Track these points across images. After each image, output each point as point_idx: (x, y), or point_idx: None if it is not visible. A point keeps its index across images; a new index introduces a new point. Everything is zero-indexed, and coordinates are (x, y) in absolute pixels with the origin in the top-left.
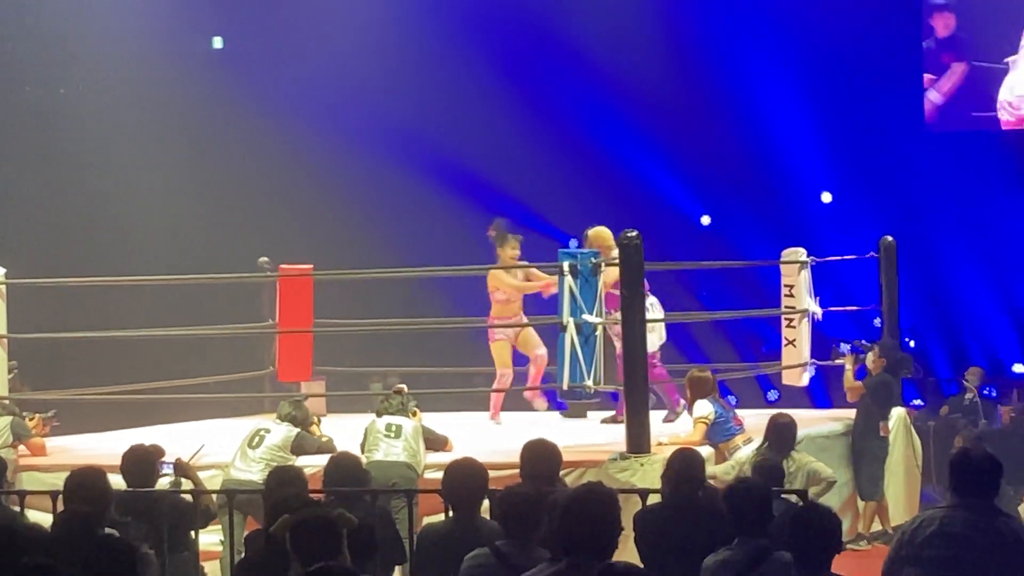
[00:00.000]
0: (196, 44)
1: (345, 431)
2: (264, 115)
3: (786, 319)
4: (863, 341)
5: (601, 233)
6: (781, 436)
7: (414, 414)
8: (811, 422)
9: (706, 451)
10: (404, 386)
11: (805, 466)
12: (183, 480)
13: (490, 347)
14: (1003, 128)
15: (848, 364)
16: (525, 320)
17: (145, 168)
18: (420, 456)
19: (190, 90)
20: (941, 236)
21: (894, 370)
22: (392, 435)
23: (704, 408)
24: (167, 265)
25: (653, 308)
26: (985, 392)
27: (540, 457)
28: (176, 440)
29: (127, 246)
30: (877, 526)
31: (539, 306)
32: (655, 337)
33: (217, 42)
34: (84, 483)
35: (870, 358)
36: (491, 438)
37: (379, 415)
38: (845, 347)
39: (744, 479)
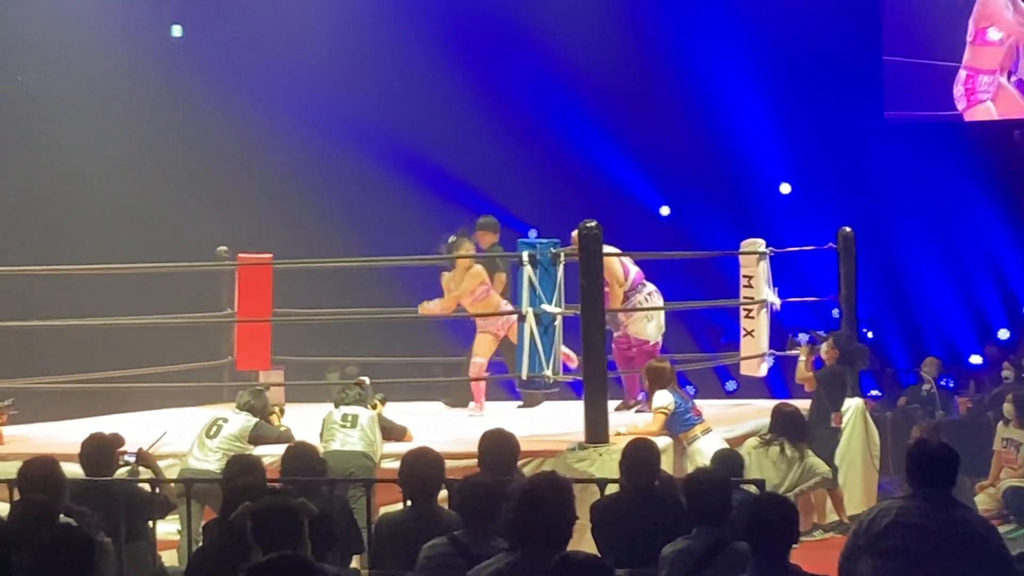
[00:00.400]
0: (155, 32)
1: (304, 421)
2: (223, 104)
3: (745, 310)
4: (819, 332)
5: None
6: (788, 423)
7: (375, 407)
8: (758, 414)
9: (664, 441)
10: (366, 379)
11: (806, 463)
12: (142, 469)
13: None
14: (965, 119)
15: (803, 355)
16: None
17: (104, 156)
18: (377, 446)
19: (149, 78)
20: (899, 227)
21: (848, 361)
22: (349, 425)
23: (664, 399)
24: (126, 254)
25: (652, 297)
26: (942, 383)
27: (498, 447)
28: (135, 429)
29: (86, 234)
30: (833, 516)
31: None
32: (654, 327)
33: (176, 30)
34: (38, 472)
35: (824, 349)
36: (450, 428)
37: (336, 405)
38: (803, 337)
39: (703, 469)
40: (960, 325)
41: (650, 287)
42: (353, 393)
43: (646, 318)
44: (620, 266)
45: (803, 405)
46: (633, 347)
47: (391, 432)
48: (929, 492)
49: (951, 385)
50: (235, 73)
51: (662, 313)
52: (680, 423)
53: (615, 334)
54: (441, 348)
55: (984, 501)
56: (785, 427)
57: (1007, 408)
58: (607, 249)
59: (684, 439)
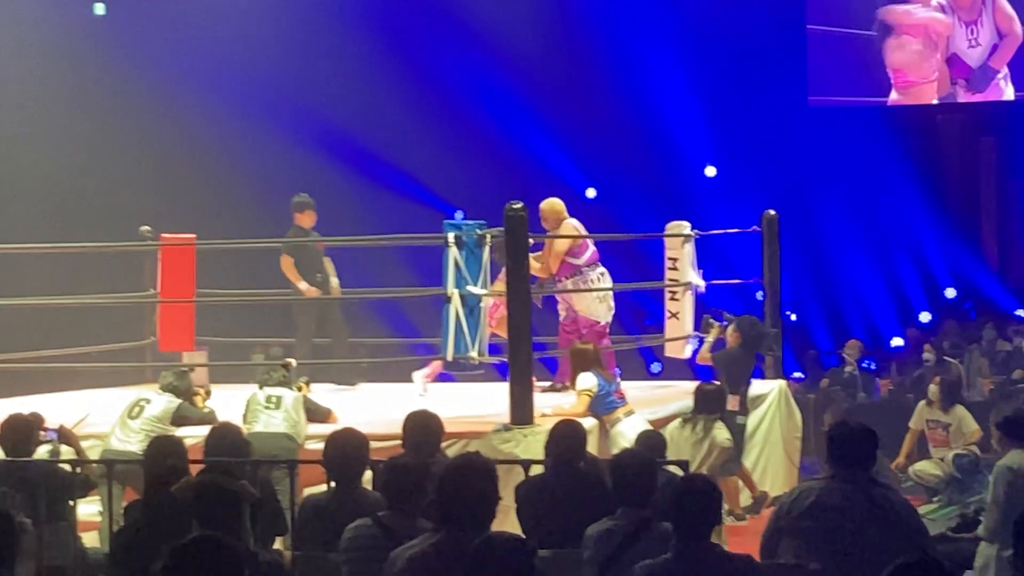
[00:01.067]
0: (78, 10)
1: (228, 402)
2: (146, 83)
3: (669, 292)
4: (727, 313)
5: (555, 205)
6: (707, 400)
7: (300, 388)
8: (682, 396)
9: (589, 423)
10: (292, 360)
11: (711, 433)
12: (63, 449)
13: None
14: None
15: (709, 336)
16: None
17: (26, 135)
18: (301, 427)
19: (71, 57)
20: (823, 210)
21: (750, 346)
22: (272, 407)
23: (588, 380)
24: (49, 233)
25: (603, 278)
26: (864, 365)
27: (422, 428)
28: (57, 409)
29: (8, 213)
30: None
31: (424, 278)
32: (604, 308)
33: (99, 8)
34: None
35: (729, 331)
36: (374, 409)
37: (261, 387)
38: (729, 318)
39: (629, 450)
40: (882, 308)
41: (601, 268)
42: (278, 375)
43: (597, 299)
44: (571, 243)
45: None
46: (583, 328)
47: (316, 414)
48: (849, 473)
49: (873, 367)
50: (159, 53)
51: (611, 295)
52: (603, 405)
53: (561, 317)
54: (367, 330)
55: (928, 468)
56: (704, 405)
57: (932, 390)
58: (571, 221)
59: (607, 421)
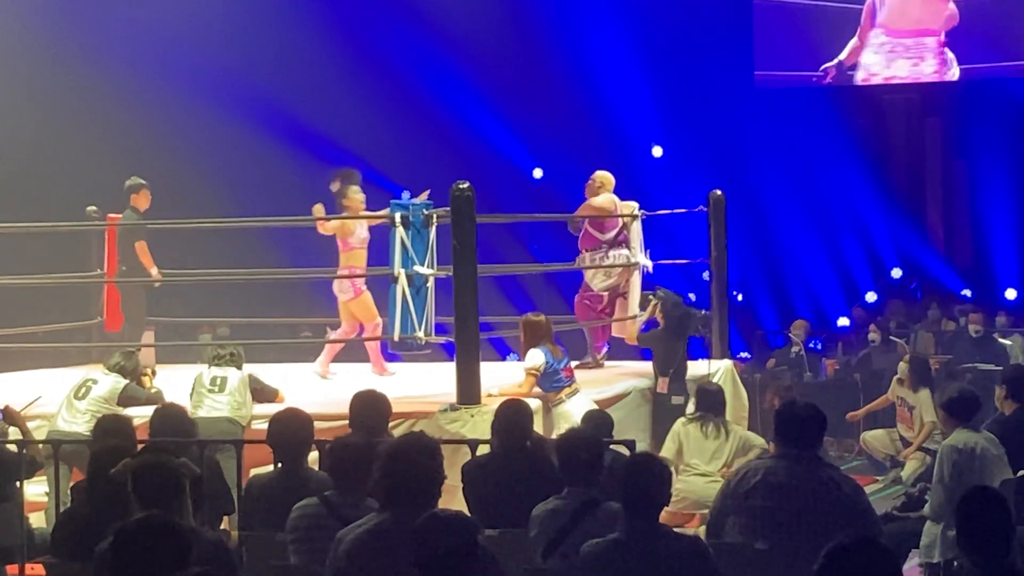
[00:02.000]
0: None
1: (173, 382)
2: (97, 62)
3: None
4: (659, 291)
5: (605, 176)
6: (710, 400)
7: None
8: (629, 376)
9: (536, 402)
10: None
11: (739, 435)
12: (10, 429)
13: (353, 303)
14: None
15: (643, 315)
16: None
17: None
18: (246, 408)
19: (16, 33)
20: (769, 191)
21: (676, 327)
22: (216, 389)
23: (536, 358)
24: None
25: (618, 260)
26: (810, 345)
27: (369, 407)
28: (4, 390)
29: None
30: None
31: (368, 257)
32: (611, 283)
33: None
34: None
35: (657, 311)
36: (321, 389)
37: (210, 365)
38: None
39: (575, 429)
40: (828, 288)
41: (624, 252)
42: (226, 353)
43: (604, 275)
44: (612, 206)
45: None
46: (587, 299)
47: (262, 394)
48: (796, 452)
49: (819, 347)
50: (106, 31)
51: (616, 272)
52: (550, 383)
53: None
54: (311, 310)
55: (879, 438)
56: (707, 404)
57: (901, 368)
58: (611, 196)
59: (550, 400)
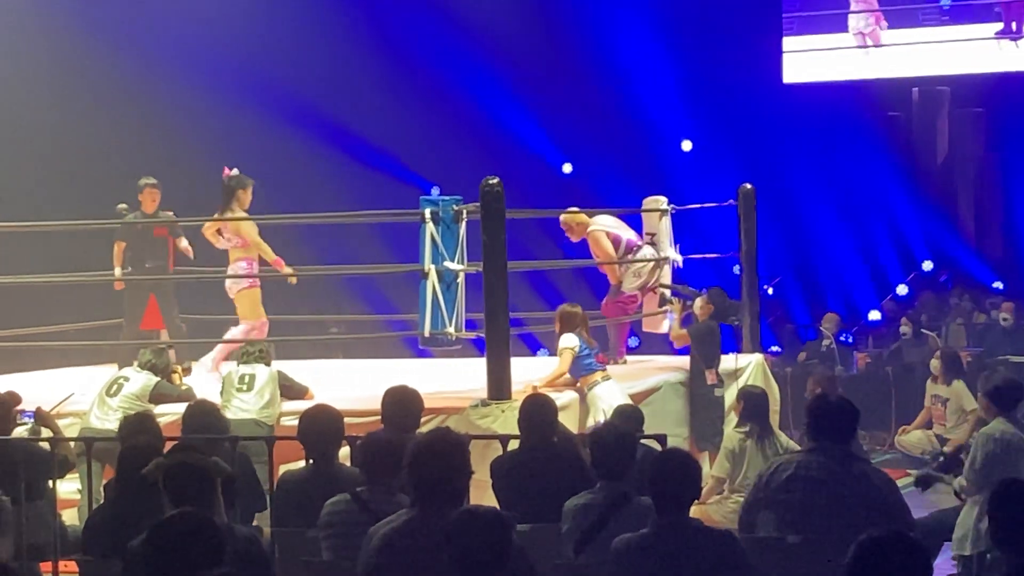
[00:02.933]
0: None
1: (203, 379)
2: (126, 61)
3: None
4: (690, 287)
5: (575, 217)
6: (757, 405)
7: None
8: (659, 370)
9: (568, 397)
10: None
11: (785, 445)
12: (42, 428)
13: (237, 296)
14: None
15: (676, 312)
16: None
17: (3, 111)
18: (275, 406)
19: (50, 32)
20: (799, 184)
21: (721, 317)
22: (245, 388)
23: (569, 340)
24: (27, 211)
25: (643, 252)
26: (841, 338)
27: (401, 403)
28: (36, 388)
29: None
30: None
31: (399, 254)
32: (639, 282)
33: None
34: None
35: (698, 304)
36: (352, 385)
37: (238, 363)
38: (691, 292)
39: (608, 424)
40: (859, 281)
41: (647, 250)
42: (255, 350)
43: (634, 275)
44: (607, 241)
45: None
46: (621, 300)
47: (292, 391)
48: (828, 446)
49: (850, 340)
50: (136, 30)
51: (647, 269)
52: (582, 367)
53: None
54: (340, 306)
55: (914, 439)
56: (754, 410)
57: (934, 364)
58: (596, 224)
59: (584, 384)
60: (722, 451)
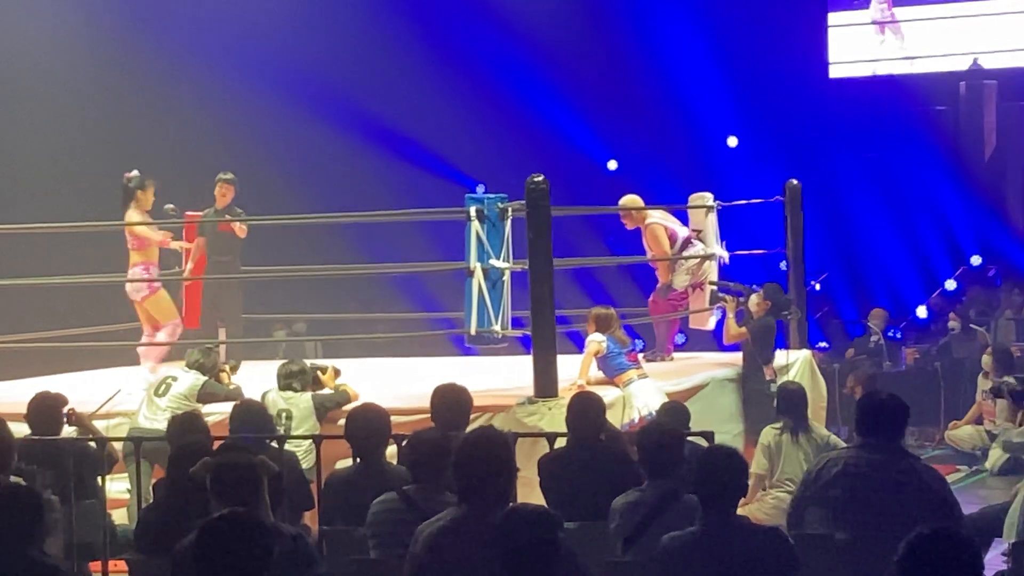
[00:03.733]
0: None
1: (248, 378)
2: (169, 61)
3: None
4: (752, 286)
5: (635, 201)
6: (792, 401)
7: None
8: (706, 367)
9: (612, 395)
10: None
11: (827, 440)
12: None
13: (147, 301)
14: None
15: (730, 309)
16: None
17: (50, 113)
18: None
19: (93, 36)
20: (846, 179)
21: (777, 313)
22: (282, 427)
23: (597, 337)
24: (74, 212)
25: (692, 248)
26: (889, 334)
27: (450, 401)
28: (84, 388)
29: (30, 193)
30: None
31: (444, 252)
32: (689, 278)
33: None
34: None
35: (754, 301)
36: (399, 383)
37: (282, 389)
38: (743, 289)
39: (656, 422)
40: (906, 276)
41: (697, 247)
42: (296, 371)
43: (686, 272)
44: (665, 236)
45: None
46: (671, 298)
47: (337, 403)
48: (877, 442)
49: (898, 336)
50: (183, 30)
51: (696, 266)
52: (613, 367)
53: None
54: (388, 305)
55: (964, 434)
56: (789, 406)
57: (986, 360)
58: (655, 218)
59: (619, 382)
60: (758, 448)
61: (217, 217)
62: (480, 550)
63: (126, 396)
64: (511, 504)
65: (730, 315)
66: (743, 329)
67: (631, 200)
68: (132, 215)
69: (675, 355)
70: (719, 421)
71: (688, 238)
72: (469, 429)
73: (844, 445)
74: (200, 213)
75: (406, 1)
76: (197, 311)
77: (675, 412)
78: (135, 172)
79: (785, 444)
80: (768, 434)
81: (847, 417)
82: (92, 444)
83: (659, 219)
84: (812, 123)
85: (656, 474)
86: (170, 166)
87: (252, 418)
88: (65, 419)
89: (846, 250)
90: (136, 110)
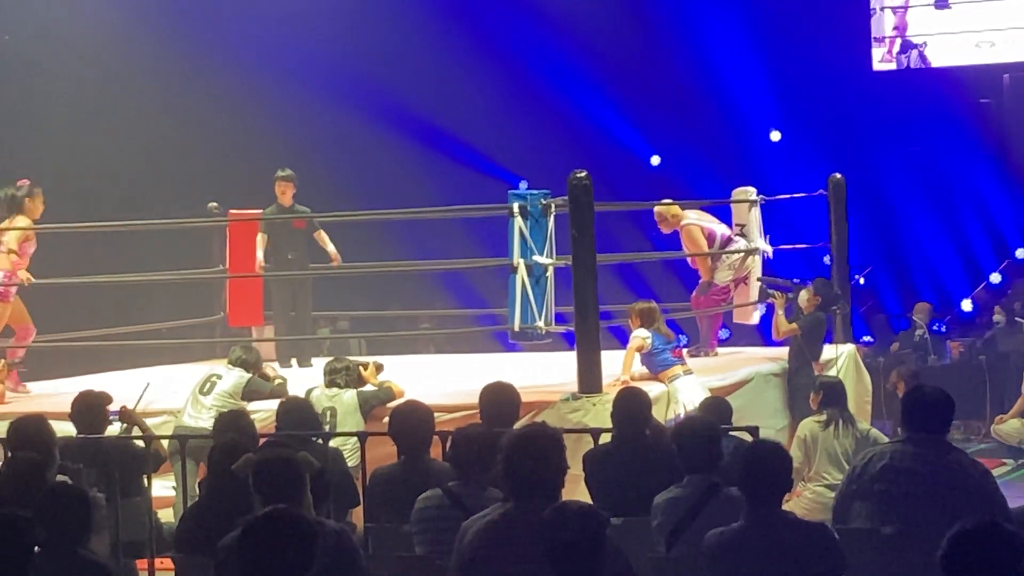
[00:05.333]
0: None
1: (296, 375)
2: (212, 59)
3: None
4: (793, 280)
5: (669, 209)
6: (833, 395)
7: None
8: (751, 362)
9: (656, 390)
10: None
11: (867, 436)
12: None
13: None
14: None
15: (778, 305)
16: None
17: (93, 113)
18: (357, 425)
19: (137, 35)
20: (889, 173)
21: (827, 307)
22: (327, 424)
23: (642, 332)
24: (118, 211)
25: (735, 244)
26: (934, 328)
27: (499, 399)
28: (128, 387)
29: (78, 192)
30: None
31: (487, 248)
32: (731, 273)
33: None
34: (26, 432)
35: (804, 296)
36: (443, 380)
37: (327, 386)
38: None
39: (692, 417)
40: (951, 270)
41: (738, 243)
42: (341, 368)
43: (728, 267)
44: (702, 236)
45: (781, 354)
46: (714, 294)
47: (381, 401)
48: (922, 437)
49: (943, 330)
50: (229, 28)
51: (739, 261)
52: (657, 363)
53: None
54: (432, 301)
55: (1012, 427)
56: (831, 399)
57: None
58: (690, 219)
59: (664, 378)
60: (795, 441)
61: (284, 215)
62: (528, 546)
63: (171, 394)
64: (560, 501)
65: (779, 311)
66: (793, 325)
67: (664, 208)
68: (19, 222)
69: (719, 350)
70: (764, 416)
71: (728, 237)
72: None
73: (885, 439)
74: (249, 212)
75: (451, 1)
76: (244, 308)
77: (716, 407)
78: (26, 181)
79: (823, 438)
80: (806, 426)
81: (892, 411)
82: (137, 443)
83: (695, 220)
84: (855, 116)
85: (694, 469)
86: (220, 165)
87: (298, 415)
88: (117, 416)
89: (890, 244)
90: (184, 109)
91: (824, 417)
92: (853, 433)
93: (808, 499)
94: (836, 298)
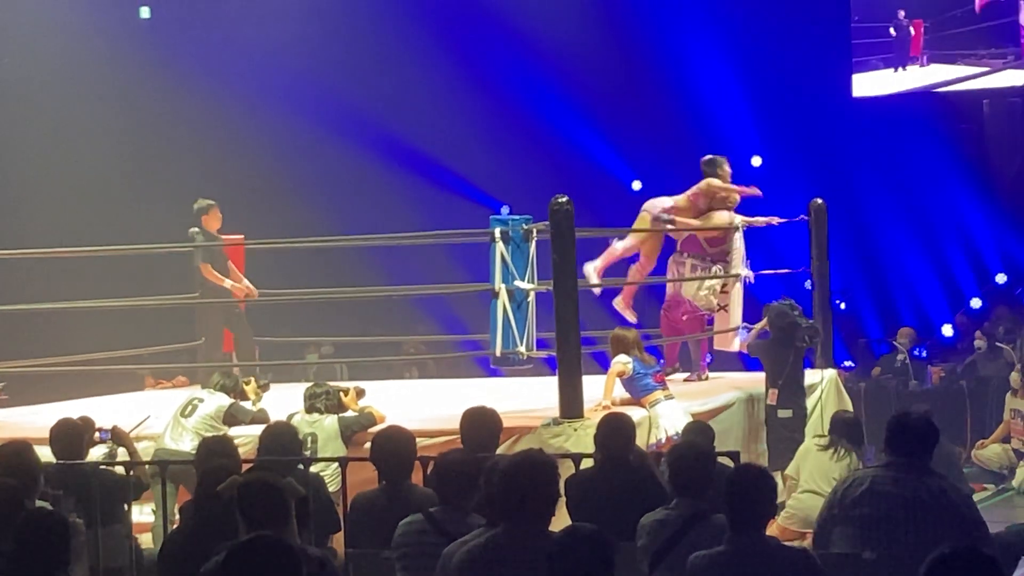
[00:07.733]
0: (123, 14)
1: (277, 399)
2: (192, 85)
3: (719, 284)
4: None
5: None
6: (847, 429)
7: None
8: (732, 386)
9: (638, 415)
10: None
11: (856, 464)
12: (119, 450)
13: None
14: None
15: (758, 325)
16: None
17: (76, 138)
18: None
19: (118, 61)
20: (870, 198)
21: (783, 338)
22: (308, 450)
23: (622, 359)
24: (100, 236)
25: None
26: (916, 353)
27: (480, 424)
28: (111, 411)
29: (60, 217)
30: None
31: (469, 273)
32: (714, 301)
33: (144, 12)
34: (8, 457)
35: (764, 322)
36: (424, 405)
37: (307, 411)
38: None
39: (687, 441)
40: (932, 294)
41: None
42: (321, 393)
43: (709, 292)
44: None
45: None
46: (686, 313)
47: (362, 427)
48: (904, 461)
49: (924, 355)
50: (204, 55)
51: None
52: (638, 388)
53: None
54: (413, 327)
55: (991, 453)
56: (844, 432)
57: (1014, 378)
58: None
59: (646, 403)
60: (797, 454)
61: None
62: (518, 572)
63: (155, 421)
64: (569, 524)
65: (755, 329)
66: (746, 344)
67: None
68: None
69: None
70: (742, 442)
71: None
72: (498, 452)
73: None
74: (232, 237)
75: (430, 23)
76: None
77: (699, 431)
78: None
79: (817, 453)
80: (810, 441)
81: (872, 436)
82: (116, 469)
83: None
84: (836, 142)
85: (685, 493)
86: (203, 190)
87: (281, 441)
88: (108, 437)
89: (871, 269)
90: (162, 133)
91: (826, 441)
92: (849, 464)
93: (789, 505)
94: (792, 328)
